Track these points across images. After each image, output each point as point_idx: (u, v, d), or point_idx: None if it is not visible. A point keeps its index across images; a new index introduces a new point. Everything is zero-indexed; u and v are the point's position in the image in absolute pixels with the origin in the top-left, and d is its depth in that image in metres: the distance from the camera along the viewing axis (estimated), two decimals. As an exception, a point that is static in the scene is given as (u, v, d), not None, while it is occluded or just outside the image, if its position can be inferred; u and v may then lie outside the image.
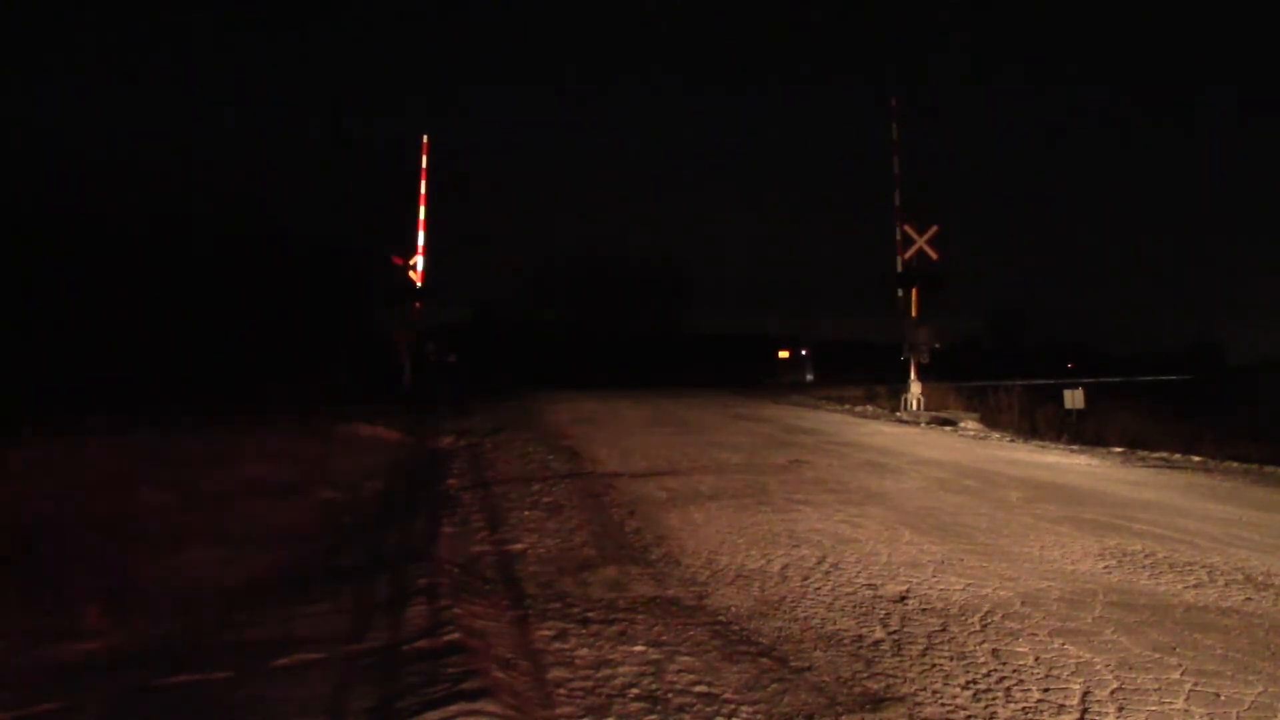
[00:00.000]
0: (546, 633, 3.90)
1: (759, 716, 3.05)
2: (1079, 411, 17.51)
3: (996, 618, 4.07)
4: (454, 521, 6.46)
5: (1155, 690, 3.22)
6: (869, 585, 4.64)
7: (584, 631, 3.91)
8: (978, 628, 3.93)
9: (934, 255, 18.59)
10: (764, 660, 3.58)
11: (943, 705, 3.12)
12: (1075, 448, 12.20)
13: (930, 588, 4.58)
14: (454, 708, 2.84)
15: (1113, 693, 3.20)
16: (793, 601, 4.38)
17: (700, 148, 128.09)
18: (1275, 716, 3.03)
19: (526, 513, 6.78)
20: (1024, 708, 3.09)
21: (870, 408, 19.71)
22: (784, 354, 48.56)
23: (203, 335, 18.32)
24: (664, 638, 3.83)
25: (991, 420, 17.12)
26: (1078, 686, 3.26)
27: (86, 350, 16.07)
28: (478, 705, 2.86)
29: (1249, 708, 3.09)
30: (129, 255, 18.64)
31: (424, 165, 20.98)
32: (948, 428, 15.16)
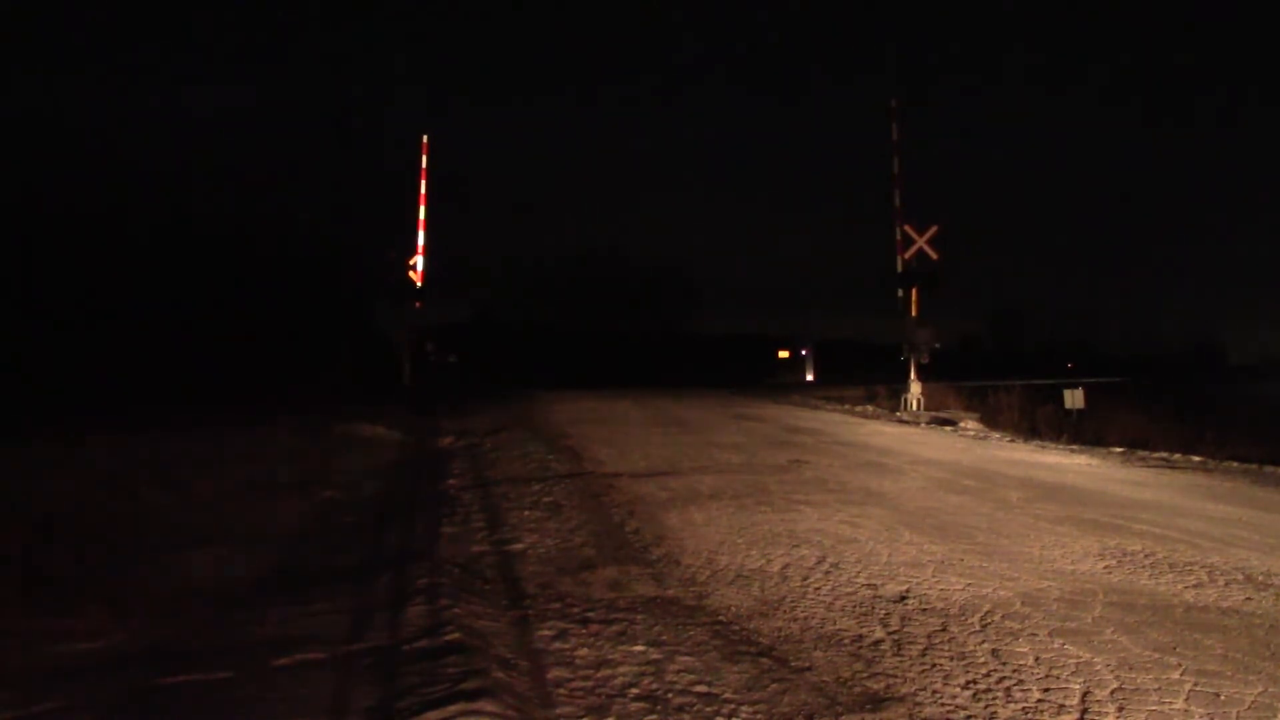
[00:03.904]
0: (546, 633, 3.90)
1: (759, 716, 3.05)
2: (1079, 411, 17.53)
3: (996, 618, 4.07)
4: (454, 521, 6.46)
5: (1155, 690, 3.22)
6: (869, 585, 4.64)
7: (584, 631, 3.91)
8: (978, 628, 3.93)
9: (934, 255, 18.61)
10: (764, 660, 3.58)
11: (943, 705, 3.12)
12: (1075, 448, 12.20)
13: (930, 588, 4.58)
14: (454, 708, 2.84)
15: (1113, 693, 3.20)
16: (793, 601, 4.38)
17: (701, 148, 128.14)
18: (1275, 716, 3.03)
19: (526, 513, 6.78)
20: (1024, 708, 3.09)
21: (870, 408, 19.72)
22: (784, 354, 48.64)
23: (203, 335, 18.32)
24: (664, 638, 3.83)
25: (991, 420, 17.14)
26: (1078, 686, 3.26)
27: (87, 350, 16.07)
28: (478, 705, 2.86)
29: (1249, 708, 3.09)
30: (129, 254, 18.64)
31: (424, 165, 20.98)
32: (948, 428, 15.16)
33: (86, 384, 14.74)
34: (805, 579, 4.78)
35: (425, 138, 21.24)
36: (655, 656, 3.59)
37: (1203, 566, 5.04)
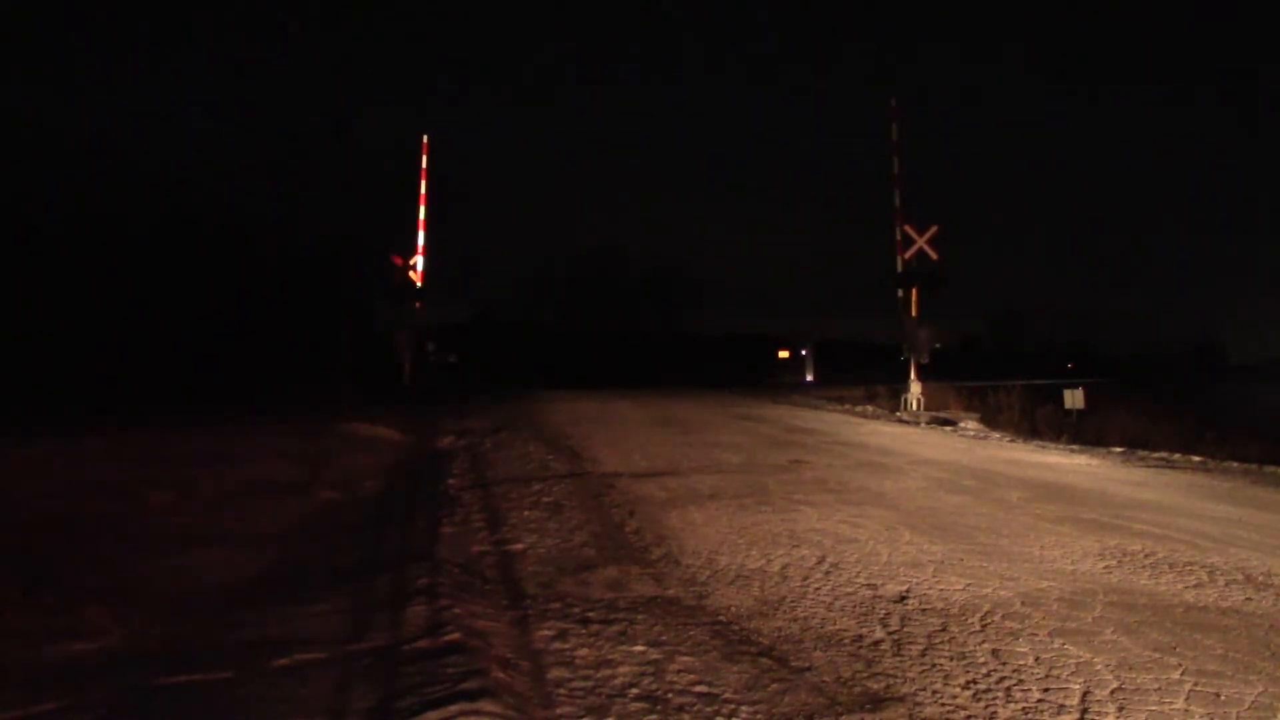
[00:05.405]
0: (546, 633, 3.90)
1: (759, 716, 3.05)
2: (1079, 411, 17.54)
3: (996, 618, 4.07)
4: (454, 521, 6.46)
5: (1155, 690, 3.22)
6: (869, 585, 4.64)
7: (584, 631, 3.91)
8: (978, 628, 3.93)
9: (934, 255, 18.61)
10: (764, 660, 3.58)
11: (943, 705, 3.12)
12: (1075, 448, 12.20)
13: (930, 588, 4.58)
14: (454, 708, 2.84)
15: (1113, 693, 3.20)
16: (793, 601, 4.38)
17: (702, 148, 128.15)
18: (1275, 716, 3.03)
19: (526, 513, 6.78)
20: (1024, 708, 3.09)
21: (870, 408, 19.72)
22: (784, 354, 48.68)
23: (203, 335, 18.33)
24: (664, 638, 3.83)
25: (991, 420, 17.14)
26: (1078, 686, 3.26)
27: (87, 350, 16.07)
28: (478, 705, 2.86)
29: (1249, 708, 3.09)
30: (129, 255, 18.64)
31: (424, 165, 20.98)
32: (948, 428, 15.15)
33: (87, 383, 14.74)
34: (805, 579, 4.78)
35: (425, 138, 21.26)
36: (655, 656, 3.59)
37: (1203, 566, 5.04)
